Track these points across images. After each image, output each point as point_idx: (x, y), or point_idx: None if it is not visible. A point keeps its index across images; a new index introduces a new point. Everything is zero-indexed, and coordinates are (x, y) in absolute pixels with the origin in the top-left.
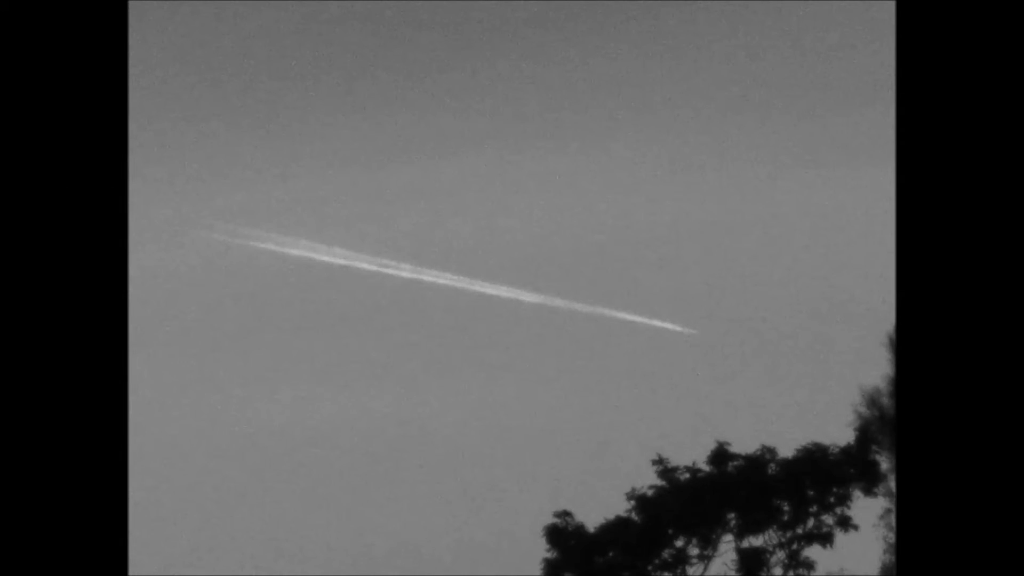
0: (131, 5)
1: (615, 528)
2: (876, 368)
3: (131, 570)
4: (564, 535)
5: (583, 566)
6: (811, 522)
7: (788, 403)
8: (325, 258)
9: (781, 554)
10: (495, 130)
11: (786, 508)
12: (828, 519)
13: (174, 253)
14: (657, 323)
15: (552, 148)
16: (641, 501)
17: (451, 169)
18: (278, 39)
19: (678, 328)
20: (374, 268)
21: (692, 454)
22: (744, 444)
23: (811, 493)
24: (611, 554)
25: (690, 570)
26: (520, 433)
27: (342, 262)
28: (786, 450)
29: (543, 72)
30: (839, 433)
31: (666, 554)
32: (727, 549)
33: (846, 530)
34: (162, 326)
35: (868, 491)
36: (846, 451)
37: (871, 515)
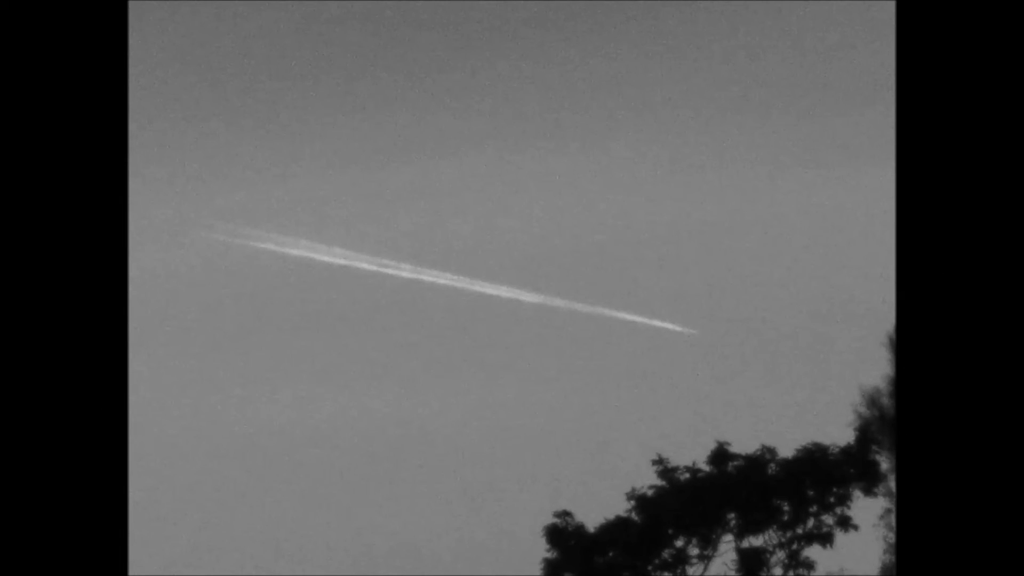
0: (131, 5)
1: (615, 528)
2: (876, 368)
3: (131, 570)
4: (564, 535)
5: (583, 566)
6: (811, 522)
7: (788, 403)
8: (325, 258)
9: (781, 554)
10: (495, 130)
11: (786, 508)
12: (828, 519)
13: (174, 253)
14: (657, 323)
15: (552, 148)
16: (641, 501)
17: (451, 169)
18: (278, 39)
19: (678, 328)
20: (374, 268)
21: (692, 454)
22: (744, 444)
23: (811, 493)
24: (611, 554)
25: (690, 570)
26: (520, 433)
27: (342, 262)
28: (786, 450)
29: (543, 72)
30: (839, 433)
31: (666, 554)
32: (727, 549)
33: (846, 530)
34: (162, 326)
35: (868, 491)
36: (846, 451)
37: (871, 515)
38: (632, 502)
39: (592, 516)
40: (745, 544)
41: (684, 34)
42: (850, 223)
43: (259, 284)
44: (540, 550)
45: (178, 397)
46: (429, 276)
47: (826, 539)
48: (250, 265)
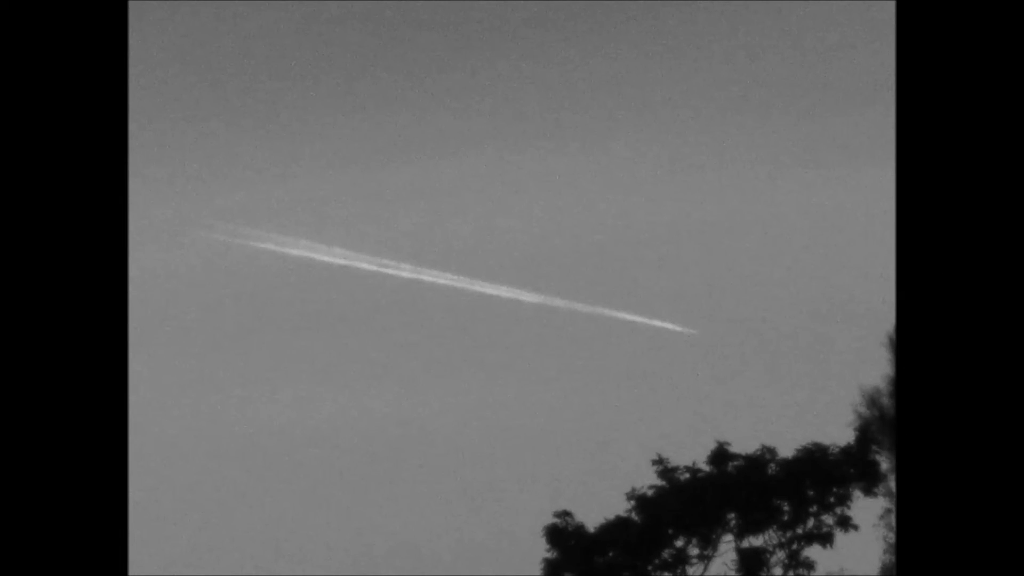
0: (131, 5)
1: (615, 528)
2: (876, 368)
3: (131, 570)
4: (564, 535)
5: (583, 566)
6: (811, 522)
7: (788, 403)
8: (325, 258)
9: (781, 554)
10: (495, 130)
11: (786, 508)
12: (828, 519)
13: (174, 253)
14: (657, 323)
15: (552, 148)
16: (641, 501)
17: (451, 169)
18: (278, 39)
19: (678, 328)
20: (374, 268)
21: (692, 454)
22: (744, 444)
23: (811, 493)
24: (611, 554)
25: (690, 570)
26: (520, 433)
27: (342, 262)
28: (786, 450)
29: (543, 72)
30: (839, 433)
31: (666, 554)
32: (727, 549)
33: (846, 530)
34: (162, 326)
35: (868, 491)
36: (846, 451)
37: (871, 515)
38: (632, 502)
39: (592, 516)
40: (745, 544)
41: (684, 34)
42: (850, 223)
43: (259, 284)
44: (540, 550)
45: (178, 397)
46: (429, 276)
47: (826, 539)
48: (250, 265)
